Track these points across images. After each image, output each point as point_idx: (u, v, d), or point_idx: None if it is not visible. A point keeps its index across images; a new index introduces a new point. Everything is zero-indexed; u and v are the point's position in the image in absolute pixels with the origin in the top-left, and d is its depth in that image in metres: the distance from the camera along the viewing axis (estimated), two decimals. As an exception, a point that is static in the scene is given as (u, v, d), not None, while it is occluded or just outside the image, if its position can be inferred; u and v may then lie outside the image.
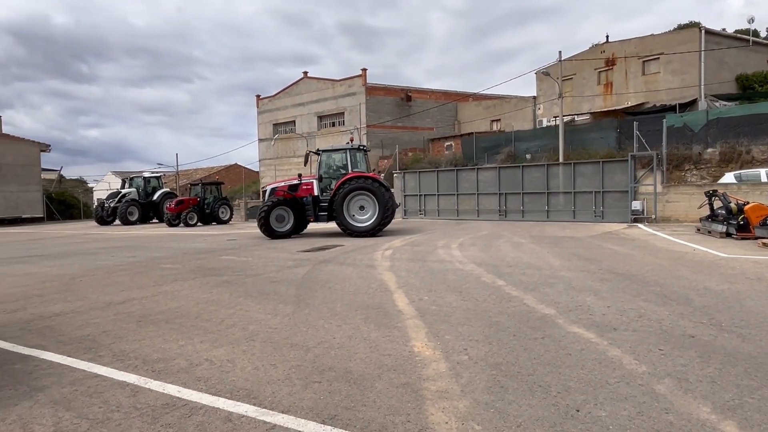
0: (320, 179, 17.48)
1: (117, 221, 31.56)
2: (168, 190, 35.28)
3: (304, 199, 17.24)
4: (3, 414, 3.53)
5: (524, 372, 4.04)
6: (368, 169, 18.02)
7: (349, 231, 16.57)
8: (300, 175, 17.71)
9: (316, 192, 17.30)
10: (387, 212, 16.66)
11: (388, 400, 3.57)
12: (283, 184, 17.77)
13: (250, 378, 4.09)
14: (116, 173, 57.95)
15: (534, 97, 37.69)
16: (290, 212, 17.18)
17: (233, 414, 3.43)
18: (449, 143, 35.64)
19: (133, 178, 34.52)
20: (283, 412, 3.42)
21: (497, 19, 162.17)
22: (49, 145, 40.94)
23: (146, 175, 35.12)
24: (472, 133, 33.48)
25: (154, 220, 33.11)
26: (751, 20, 32.53)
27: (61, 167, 54.00)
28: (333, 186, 17.00)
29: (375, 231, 16.57)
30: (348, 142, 18.08)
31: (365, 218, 16.71)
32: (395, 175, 29.58)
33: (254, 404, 3.57)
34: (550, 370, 4.08)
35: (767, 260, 9.56)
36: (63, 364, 4.57)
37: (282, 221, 17.13)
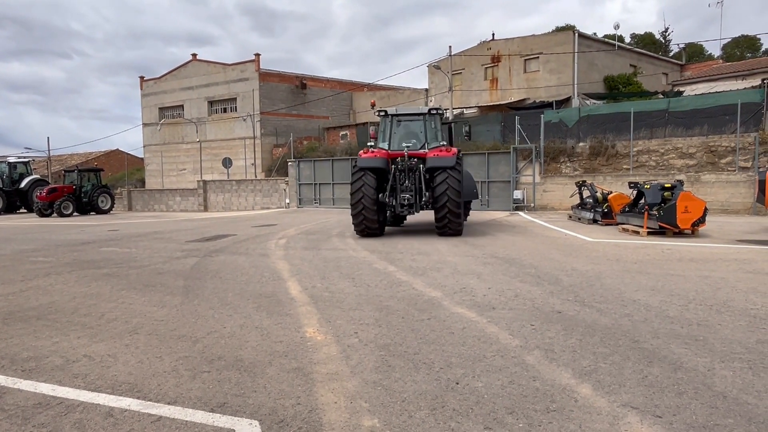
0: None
1: (-24, 211, 28.36)
2: (38, 177, 32.27)
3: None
4: None
5: (410, 351, 4.27)
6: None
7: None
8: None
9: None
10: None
11: (279, 385, 3.62)
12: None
13: (134, 372, 3.94)
14: (-26, 158, 51.72)
15: (426, 90, 38.82)
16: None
17: (115, 409, 3.30)
18: (344, 132, 35.74)
19: (-5, 163, 31.16)
20: (169, 404, 3.35)
21: (400, 8, 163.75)
22: None
23: (11, 160, 31.88)
24: (367, 122, 33.85)
25: (22, 210, 30.16)
26: (617, 26, 35.98)
27: None
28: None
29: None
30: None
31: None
32: (290, 163, 29.23)
33: (138, 398, 3.46)
34: (435, 348, 4.34)
35: (625, 243, 10.72)
36: None
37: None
